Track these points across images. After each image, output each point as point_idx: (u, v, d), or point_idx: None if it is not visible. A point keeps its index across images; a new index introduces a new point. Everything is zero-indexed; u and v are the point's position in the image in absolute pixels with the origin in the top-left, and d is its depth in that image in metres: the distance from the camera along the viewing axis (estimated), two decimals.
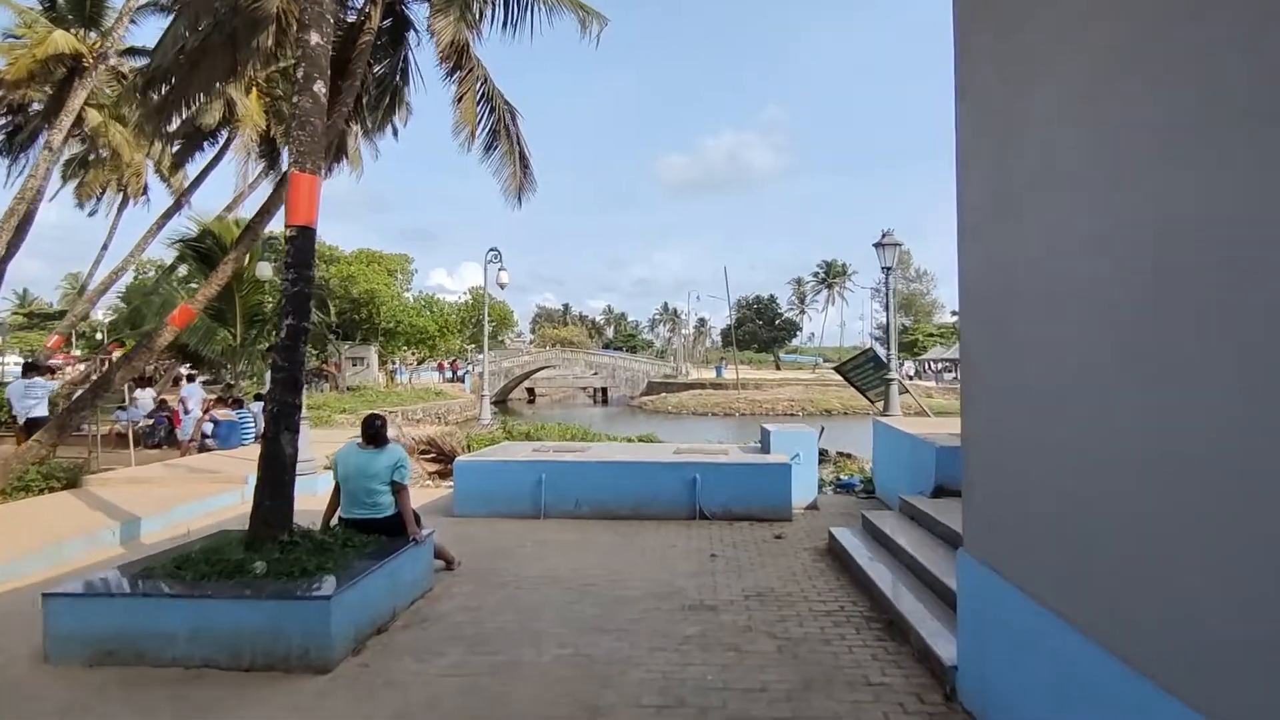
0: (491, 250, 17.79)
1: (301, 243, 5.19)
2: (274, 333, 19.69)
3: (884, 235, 12.16)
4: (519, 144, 13.07)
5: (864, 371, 13.05)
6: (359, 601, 4.57)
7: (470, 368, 57.30)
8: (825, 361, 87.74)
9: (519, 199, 13.11)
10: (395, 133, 29.85)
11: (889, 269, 12.11)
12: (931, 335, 71.47)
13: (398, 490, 5.64)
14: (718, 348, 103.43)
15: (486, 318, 19.89)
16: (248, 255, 17.78)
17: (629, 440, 14.22)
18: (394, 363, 51.46)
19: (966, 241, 3.75)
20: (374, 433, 5.74)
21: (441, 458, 13.22)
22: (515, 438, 13.98)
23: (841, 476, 10.82)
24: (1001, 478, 3.42)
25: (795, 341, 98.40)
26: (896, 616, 4.83)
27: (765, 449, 9.53)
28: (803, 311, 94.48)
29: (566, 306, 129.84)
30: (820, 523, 8.17)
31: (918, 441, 7.58)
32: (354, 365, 45.19)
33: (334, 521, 5.71)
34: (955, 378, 52.12)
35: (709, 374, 60.98)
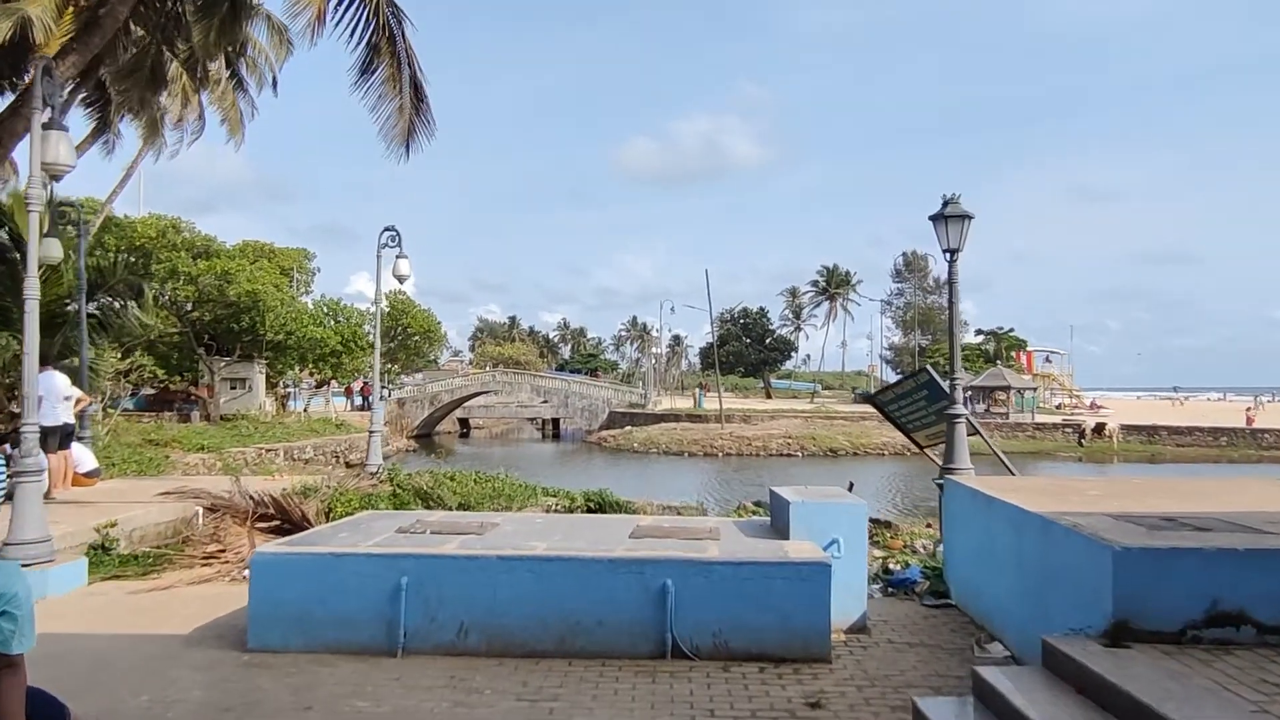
0: (387, 231, 15.15)
1: None
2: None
3: (946, 203, 9.84)
4: (410, 65, 10.53)
5: (913, 403, 10.66)
6: None
7: (387, 393, 54.16)
8: (825, 389, 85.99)
9: (406, 146, 10.57)
10: (275, 84, 27.01)
11: (953, 252, 9.76)
12: None
13: None
14: (696, 371, 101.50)
15: (379, 324, 17.12)
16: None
17: (566, 503, 11.66)
18: (288, 385, 48.31)
19: None
20: None
21: (289, 527, 10.50)
22: (403, 497, 11.31)
23: (892, 566, 8.34)
24: None
25: (789, 365, 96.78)
26: None
27: (780, 527, 7.01)
28: (798, 328, 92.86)
29: (514, 319, 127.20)
30: (881, 665, 5.64)
31: (1055, 531, 5.11)
32: (233, 388, 42.04)
33: None
34: (988, 409, 50.32)
35: (685, 402, 58.63)
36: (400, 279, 15.23)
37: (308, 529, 9.42)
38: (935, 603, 7.35)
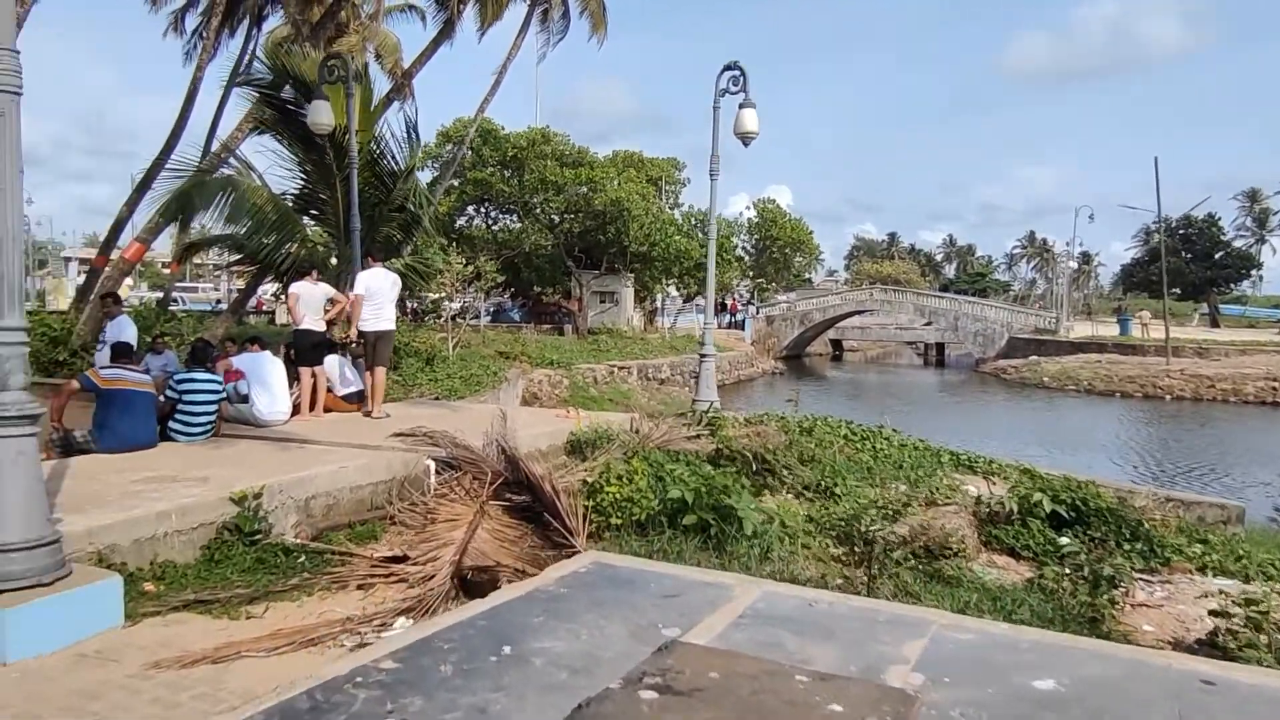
0: (728, 70, 10.43)
1: None
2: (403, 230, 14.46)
3: None
4: None
5: None
6: None
7: (754, 309, 50.62)
8: None
9: None
10: None
11: None
12: None
13: None
14: (1105, 294, 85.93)
15: (714, 198, 12.33)
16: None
17: (1014, 501, 6.22)
18: (657, 300, 46.69)
19: None
20: None
21: (540, 509, 6.36)
22: (688, 479, 6.65)
23: None
24: None
25: (1243, 288, 77.40)
26: None
27: None
28: (1262, 239, 73.20)
29: (893, 236, 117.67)
30: None
31: None
32: (602, 301, 41.04)
33: None
34: None
35: (1101, 329, 47.68)
36: (744, 137, 10.45)
37: (567, 523, 5.41)
38: None
